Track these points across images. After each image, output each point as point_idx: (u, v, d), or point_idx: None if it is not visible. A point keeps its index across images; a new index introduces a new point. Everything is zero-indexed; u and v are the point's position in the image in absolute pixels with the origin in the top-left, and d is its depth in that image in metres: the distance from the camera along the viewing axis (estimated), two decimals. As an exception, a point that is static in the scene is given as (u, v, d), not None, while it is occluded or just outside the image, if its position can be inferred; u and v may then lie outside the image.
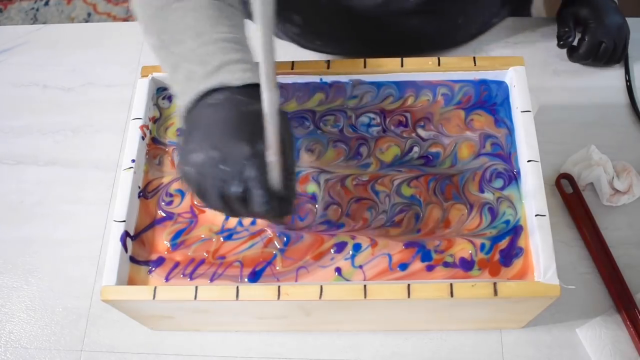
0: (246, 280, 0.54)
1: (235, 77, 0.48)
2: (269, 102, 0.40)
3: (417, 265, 0.53)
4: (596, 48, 0.74)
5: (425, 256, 0.53)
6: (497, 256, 0.53)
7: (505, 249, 0.53)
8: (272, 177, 0.45)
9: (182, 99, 0.50)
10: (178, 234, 0.56)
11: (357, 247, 0.54)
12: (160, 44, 0.53)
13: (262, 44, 0.35)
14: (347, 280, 0.53)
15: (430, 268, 0.53)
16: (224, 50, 0.50)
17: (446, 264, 0.53)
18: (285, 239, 0.55)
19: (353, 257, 0.54)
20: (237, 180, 0.45)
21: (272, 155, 0.44)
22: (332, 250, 0.54)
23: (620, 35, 0.75)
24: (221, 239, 0.55)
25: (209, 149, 0.45)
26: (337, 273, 0.53)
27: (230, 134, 0.45)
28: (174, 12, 0.52)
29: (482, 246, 0.53)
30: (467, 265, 0.53)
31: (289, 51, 0.80)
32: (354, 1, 0.69)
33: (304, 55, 0.80)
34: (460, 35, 0.79)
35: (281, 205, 0.47)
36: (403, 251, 0.54)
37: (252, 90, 0.47)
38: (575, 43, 0.76)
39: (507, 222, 0.54)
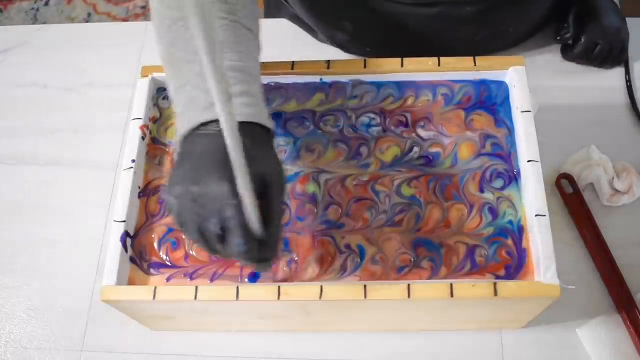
0: (246, 280, 0.54)
1: (235, 112, 0.46)
2: (232, 148, 0.38)
3: (418, 265, 0.53)
4: (591, 49, 0.74)
5: (426, 256, 0.53)
6: (497, 256, 0.53)
7: (505, 248, 0.53)
8: (250, 219, 0.44)
9: (181, 123, 0.49)
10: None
11: (358, 248, 0.54)
12: (169, 57, 0.52)
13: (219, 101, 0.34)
14: (347, 280, 0.53)
15: (430, 268, 0.53)
16: (230, 80, 0.48)
17: (446, 264, 0.53)
18: (283, 245, 0.55)
19: (354, 258, 0.54)
20: (215, 219, 0.44)
21: (245, 198, 0.42)
22: (333, 251, 0.54)
23: (618, 38, 0.74)
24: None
25: (190, 183, 0.44)
26: (337, 273, 0.53)
27: (214, 170, 0.44)
28: (186, 28, 0.50)
29: (482, 246, 0.53)
30: (467, 265, 0.53)
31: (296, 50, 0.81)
32: (409, 9, 0.68)
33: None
34: (510, 40, 0.78)
35: (261, 249, 0.45)
36: (404, 251, 0.54)
37: (248, 127, 0.46)
38: (570, 41, 0.76)
39: (508, 222, 0.54)
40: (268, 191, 0.46)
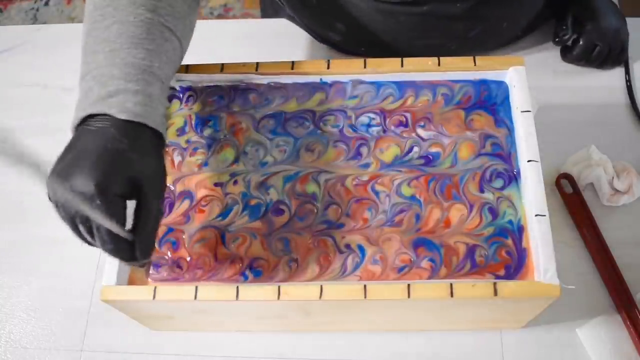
0: (248, 270, 0.54)
1: (122, 109, 0.47)
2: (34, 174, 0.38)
3: (418, 265, 0.53)
4: (590, 51, 0.74)
5: (426, 256, 0.53)
6: (497, 256, 0.53)
7: (505, 248, 0.53)
8: (109, 224, 0.44)
9: (76, 113, 0.49)
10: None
11: (358, 248, 0.54)
12: (84, 45, 0.52)
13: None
14: (347, 280, 0.53)
15: (430, 268, 0.53)
16: (127, 76, 0.48)
17: (446, 264, 0.53)
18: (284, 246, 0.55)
19: (354, 258, 0.54)
20: (83, 216, 0.45)
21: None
22: (333, 251, 0.54)
23: (617, 39, 0.74)
24: (221, 239, 0.55)
25: (65, 176, 0.45)
26: (337, 273, 0.53)
27: (85, 169, 0.44)
28: (104, 18, 0.50)
29: (482, 246, 0.53)
30: (467, 265, 0.53)
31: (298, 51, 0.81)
32: (398, 8, 0.68)
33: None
34: (504, 38, 0.78)
35: (131, 250, 0.46)
36: (404, 251, 0.54)
37: (133, 126, 0.47)
38: (570, 43, 0.76)
39: (508, 221, 0.54)
40: (142, 194, 0.46)
